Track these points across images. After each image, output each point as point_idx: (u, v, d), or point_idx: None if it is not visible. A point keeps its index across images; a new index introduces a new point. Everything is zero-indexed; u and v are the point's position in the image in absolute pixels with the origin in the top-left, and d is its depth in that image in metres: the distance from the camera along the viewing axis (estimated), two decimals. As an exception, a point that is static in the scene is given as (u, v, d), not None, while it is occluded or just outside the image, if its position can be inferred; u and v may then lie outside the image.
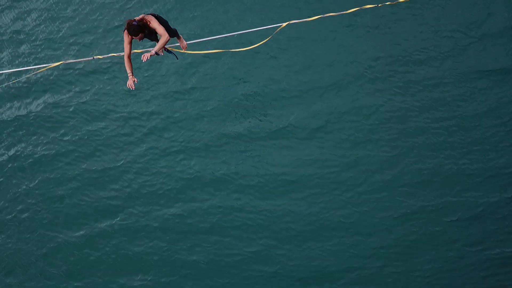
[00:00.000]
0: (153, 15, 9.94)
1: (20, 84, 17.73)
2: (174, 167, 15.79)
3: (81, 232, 15.43)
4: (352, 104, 15.68)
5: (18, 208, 15.98)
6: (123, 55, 10.00)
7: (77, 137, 16.64)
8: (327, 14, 10.78)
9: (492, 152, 14.57)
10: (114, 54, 10.18)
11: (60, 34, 18.55)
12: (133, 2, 18.52)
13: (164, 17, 10.81)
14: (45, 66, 10.86)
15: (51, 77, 17.73)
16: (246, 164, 15.56)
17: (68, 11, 19.03)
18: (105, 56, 10.24)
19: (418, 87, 15.60)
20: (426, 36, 16.19)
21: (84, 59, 10.89)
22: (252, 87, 16.36)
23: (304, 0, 16.93)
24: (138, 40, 9.77)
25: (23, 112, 17.29)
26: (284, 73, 16.42)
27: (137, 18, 9.69)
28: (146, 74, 17.07)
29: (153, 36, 10.03)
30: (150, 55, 9.77)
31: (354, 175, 14.85)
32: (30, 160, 16.57)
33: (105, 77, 17.32)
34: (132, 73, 9.96)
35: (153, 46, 11.03)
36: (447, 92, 15.38)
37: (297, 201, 14.93)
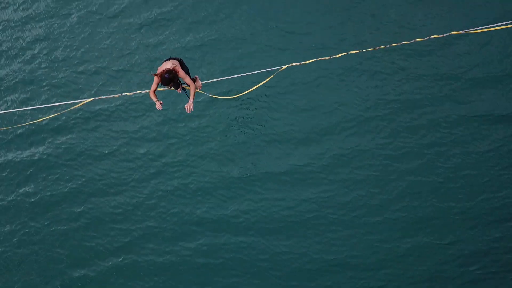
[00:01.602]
0: (178, 59, 11.12)
1: (27, 127, 18.12)
2: (179, 207, 16.32)
3: (87, 270, 15.99)
4: (351, 146, 16.35)
5: (26, 245, 16.49)
6: (149, 91, 11.12)
7: (84, 177, 17.14)
8: (320, 58, 11.87)
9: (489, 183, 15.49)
10: (141, 91, 11.73)
11: (87, 73, 18.95)
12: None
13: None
14: (79, 102, 11.85)
15: (59, 120, 18.12)
16: (248, 205, 16.06)
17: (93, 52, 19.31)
18: (132, 93, 11.66)
19: (421, 130, 16.32)
20: (423, 81, 16.84)
21: (114, 95, 12.01)
22: (253, 131, 16.99)
23: (304, 46, 17.84)
24: (166, 87, 11.01)
25: (31, 153, 17.81)
26: (286, 115, 17.10)
27: (167, 67, 10.76)
28: (155, 119, 17.69)
29: (177, 83, 11.18)
30: (191, 105, 10.97)
31: (353, 213, 15.56)
32: (38, 199, 17.08)
33: (111, 120, 17.81)
34: (157, 99, 11.09)
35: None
36: (445, 133, 16.18)
37: (298, 239, 15.60)
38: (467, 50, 16.98)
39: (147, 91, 11.25)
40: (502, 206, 15.04)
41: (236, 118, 17.06)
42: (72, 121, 17.98)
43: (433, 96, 16.70)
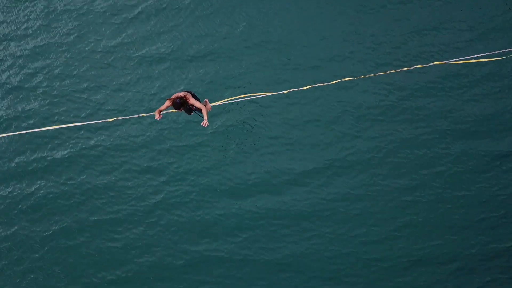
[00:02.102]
0: (190, 92, 12.68)
1: (27, 154, 18.04)
2: (179, 233, 16.45)
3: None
4: (351, 166, 16.54)
5: (26, 264, 16.52)
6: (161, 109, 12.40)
7: (84, 196, 17.18)
8: (317, 84, 12.78)
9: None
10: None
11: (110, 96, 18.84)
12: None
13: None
14: (99, 122, 12.53)
15: (58, 142, 18.09)
16: (248, 230, 16.16)
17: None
18: (149, 114, 12.72)
19: (420, 150, 16.43)
20: (423, 116, 16.98)
21: (131, 116, 12.93)
22: (254, 170, 17.04)
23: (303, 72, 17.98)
24: (177, 110, 12.51)
25: (32, 175, 17.82)
26: (285, 139, 17.20)
27: (179, 95, 12.32)
28: (156, 140, 17.77)
29: (188, 108, 12.64)
30: (206, 121, 12.34)
31: (352, 233, 15.76)
32: (39, 217, 17.08)
33: (111, 142, 17.84)
34: (160, 115, 12.43)
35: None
36: (444, 153, 16.36)
37: (297, 259, 15.77)
38: (470, 79, 17.20)
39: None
40: (500, 225, 15.27)
41: (236, 141, 17.33)
42: (72, 143, 18.09)
43: (432, 118, 17.00)
